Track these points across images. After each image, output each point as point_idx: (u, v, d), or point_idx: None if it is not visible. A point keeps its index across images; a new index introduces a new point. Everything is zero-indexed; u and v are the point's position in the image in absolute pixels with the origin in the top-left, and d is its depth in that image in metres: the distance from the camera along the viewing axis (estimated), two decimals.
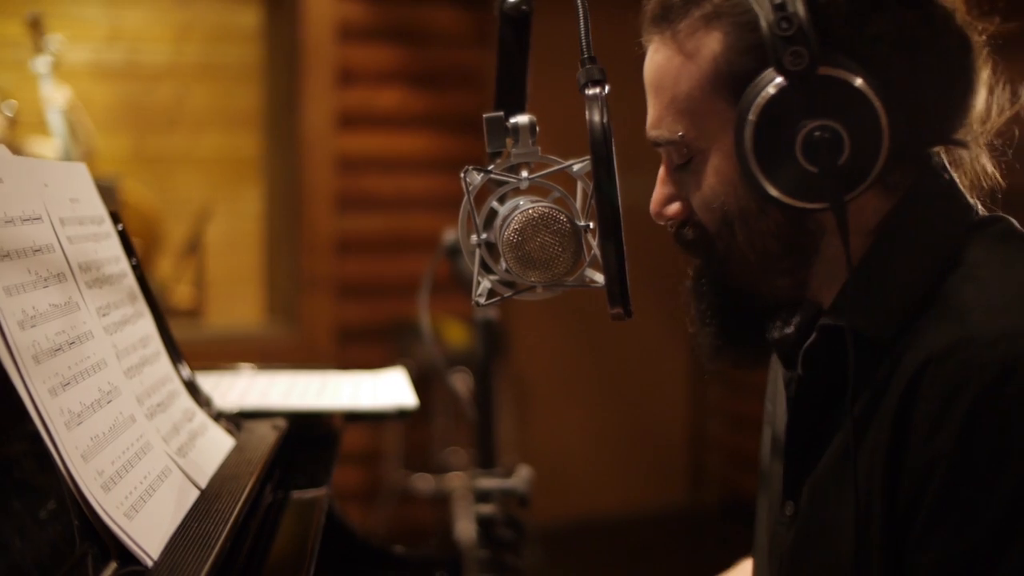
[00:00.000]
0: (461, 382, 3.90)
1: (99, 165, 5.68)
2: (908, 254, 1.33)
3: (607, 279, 1.15)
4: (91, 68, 7.33)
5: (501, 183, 1.33)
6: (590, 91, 1.20)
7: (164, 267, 6.84)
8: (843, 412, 1.33)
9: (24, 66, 4.89)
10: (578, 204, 1.33)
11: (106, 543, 1.15)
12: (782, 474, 1.48)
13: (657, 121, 1.40)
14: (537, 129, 1.35)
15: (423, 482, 5.57)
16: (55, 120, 4.76)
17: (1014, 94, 1.39)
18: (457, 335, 5.28)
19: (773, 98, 1.26)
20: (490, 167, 1.33)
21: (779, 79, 1.26)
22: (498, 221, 1.30)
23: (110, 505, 1.16)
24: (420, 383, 5.33)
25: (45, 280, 1.29)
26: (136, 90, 7.50)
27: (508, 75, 1.59)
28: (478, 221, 1.31)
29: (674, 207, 1.44)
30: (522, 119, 1.33)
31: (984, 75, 1.36)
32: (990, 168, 1.40)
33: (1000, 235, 1.35)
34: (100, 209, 1.60)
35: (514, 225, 1.21)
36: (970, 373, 1.19)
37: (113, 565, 1.15)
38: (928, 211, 1.35)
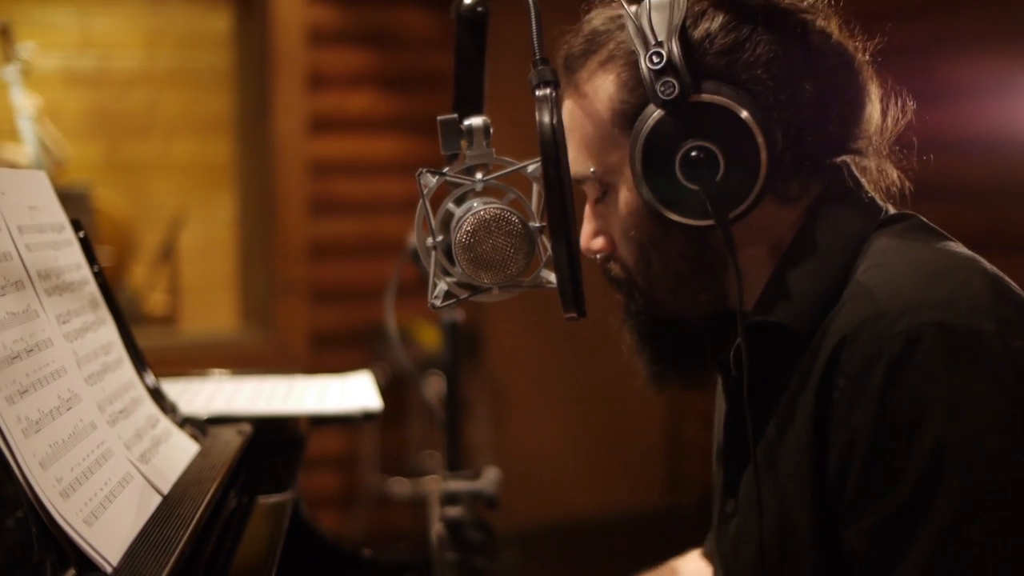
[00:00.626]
0: (435, 385, 3.90)
1: (72, 172, 5.66)
2: (821, 253, 1.41)
3: (559, 280, 1.16)
4: (63, 75, 7.31)
5: (456, 185, 1.33)
6: (540, 92, 1.21)
7: (138, 274, 6.83)
8: (770, 405, 1.41)
9: None
10: (533, 205, 1.34)
11: (65, 550, 1.16)
12: (722, 476, 1.55)
13: (573, 161, 1.43)
14: (491, 131, 1.36)
15: (399, 486, 5.57)
16: (26, 128, 4.76)
17: (905, 104, 1.47)
18: (430, 338, 5.28)
19: (653, 127, 1.37)
20: (445, 169, 1.34)
21: (657, 111, 1.37)
22: (453, 223, 1.30)
23: (69, 512, 1.17)
24: (395, 386, 5.34)
25: (2, 288, 1.29)
26: (108, 97, 7.49)
27: (465, 77, 1.60)
28: (433, 223, 1.31)
29: (599, 241, 1.53)
30: (476, 121, 1.35)
31: (872, 88, 1.45)
32: (894, 173, 1.48)
33: (905, 228, 1.42)
34: (60, 216, 1.60)
35: (466, 227, 1.22)
36: (880, 346, 1.25)
37: (72, 572, 1.15)
38: (838, 215, 1.43)
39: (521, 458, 5.92)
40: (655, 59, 1.35)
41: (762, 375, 1.39)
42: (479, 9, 1.56)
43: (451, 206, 1.36)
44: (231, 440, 1.71)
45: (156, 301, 6.72)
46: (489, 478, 2.17)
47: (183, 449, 1.60)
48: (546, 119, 1.17)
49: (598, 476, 6.60)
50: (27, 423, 1.19)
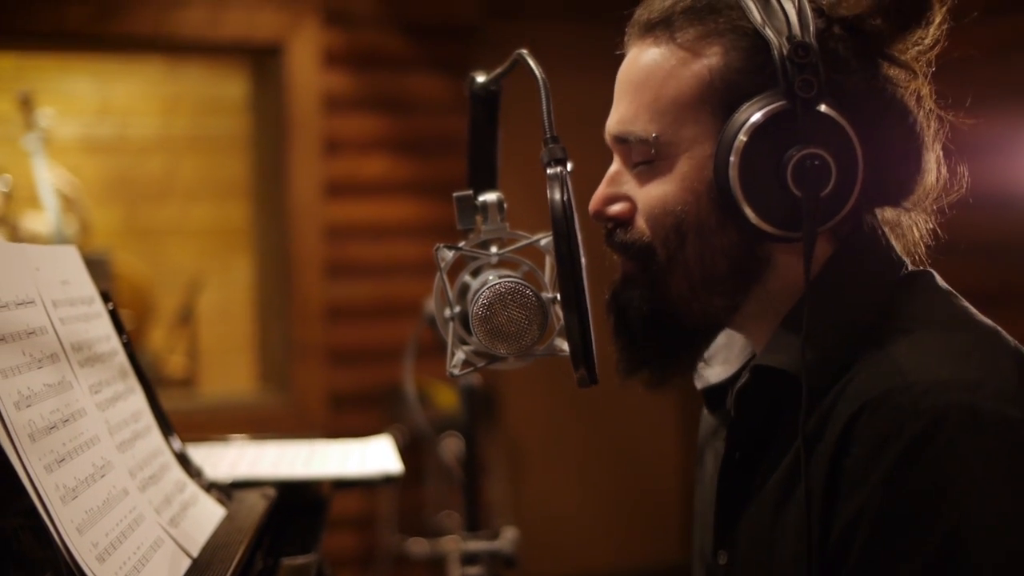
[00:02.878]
0: (452, 446, 3.95)
1: (91, 238, 5.75)
2: (841, 303, 1.37)
3: (571, 349, 1.20)
4: (81, 142, 7.42)
5: (472, 258, 1.39)
6: (551, 170, 1.25)
7: (157, 338, 6.89)
8: (775, 457, 1.38)
9: (16, 142, 4.98)
10: (547, 276, 1.39)
11: None
12: (712, 525, 1.50)
13: (631, 117, 1.43)
14: (505, 206, 1.42)
15: (417, 546, 5.58)
16: (47, 196, 4.83)
17: (957, 177, 1.44)
18: (447, 399, 5.32)
19: (772, 119, 1.32)
20: (461, 243, 1.39)
21: (779, 103, 1.32)
22: (469, 295, 1.36)
23: (106, 575, 1.22)
24: (413, 447, 5.37)
25: (39, 361, 1.35)
26: (126, 163, 7.59)
27: (479, 153, 1.65)
28: (451, 295, 1.37)
29: (618, 207, 1.46)
30: (491, 197, 1.40)
31: (935, 155, 1.42)
32: (919, 233, 1.45)
33: (926, 290, 1.41)
34: (90, 289, 1.66)
35: (482, 300, 1.27)
36: (903, 419, 1.22)
37: None
38: (861, 263, 1.40)
39: (538, 516, 5.94)
40: (801, 52, 1.31)
41: (764, 422, 1.39)
42: (492, 87, 1.62)
43: (467, 278, 1.42)
44: (256, 504, 1.76)
45: (175, 364, 6.78)
46: (507, 538, 2.22)
47: (210, 513, 1.65)
48: (557, 197, 1.21)
49: (614, 533, 6.62)
50: (64, 491, 1.25)
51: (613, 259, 1.49)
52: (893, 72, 1.39)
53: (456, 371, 1.35)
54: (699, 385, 1.59)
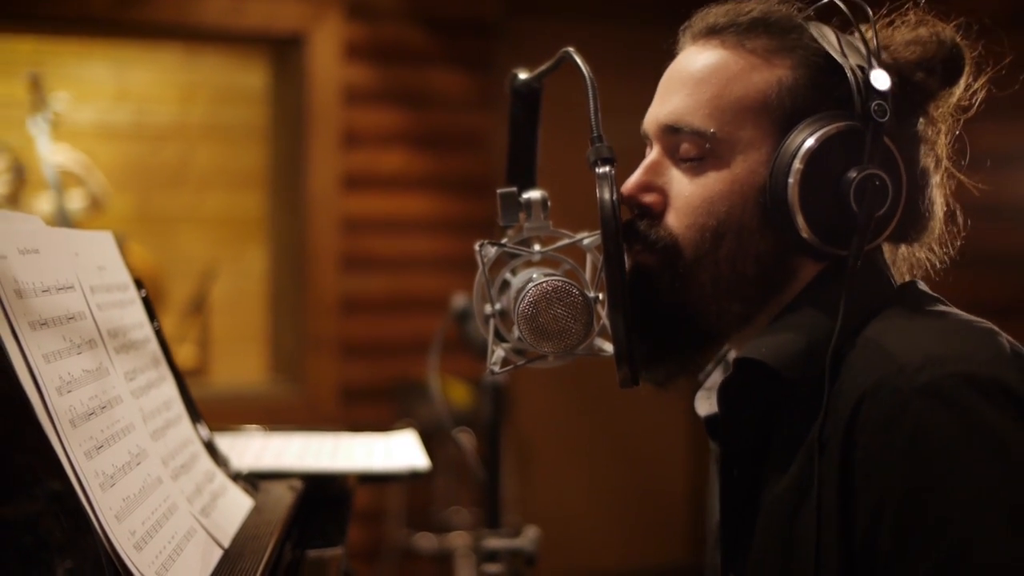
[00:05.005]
0: (466, 442, 3.95)
1: (105, 224, 5.75)
2: (822, 307, 1.38)
3: (616, 349, 1.21)
4: (98, 128, 7.41)
5: (514, 255, 1.39)
6: (600, 169, 1.25)
7: (167, 326, 6.87)
8: (775, 471, 1.38)
9: (26, 125, 4.97)
10: (587, 275, 1.39)
11: None
12: (720, 548, 1.50)
13: (690, 111, 1.44)
14: (549, 204, 1.41)
15: (426, 541, 5.59)
16: (51, 177, 4.84)
17: (961, 223, 1.50)
18: (460, 395, 5.33)
19: (842, 136, 1.36)
20: (503, 240, 1.39)
21: (849, 122, 1.36)
22: (512, 292, 1.35)
23: (143, 564, 1.22)
24: (422, 442, 5.38)
25: (78, 347, 1.35)
26: (142, 150, 7.58)
27: (519, 150, 1.65)
28: (492, 293, 1.37)
29: (652, 196, 1.46)
30: (535, 195, 1.40)
31: (942, 192, 1.48)
32: (921, 260, 1.51)
33: (913, 293, 1.44)
34: (125, 276, 1.66)
35: (528, 298, 1.26)
36: (904, 399, 1.24)
37: None
38: (857, 278, 1.39)
39: (547, 515, 5.93)
40: (881, 80, 1.36)
41: (759, 430, 1.39)
42: (534, 85, 1.62)
43: (508, 276, 1.41)
44: (284, 496, 1.76)
45: (186, 353, 6.78)
46: (528, 536, 2.22)
47: (239, 503, 1.65)
48: (606, 196, 1.22)
49: (623, 533, 6.62)
50: (103, 477, 1.25)
51: (630, 248, 1.46)
52: (922, 124, 1.45)
53: (496, 368, 1.35)
54: (701, 412, 1.58)
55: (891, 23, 1.47)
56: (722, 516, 1.48)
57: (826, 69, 1.40)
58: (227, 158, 7.64)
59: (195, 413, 1.73)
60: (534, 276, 1.31)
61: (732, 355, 1.53)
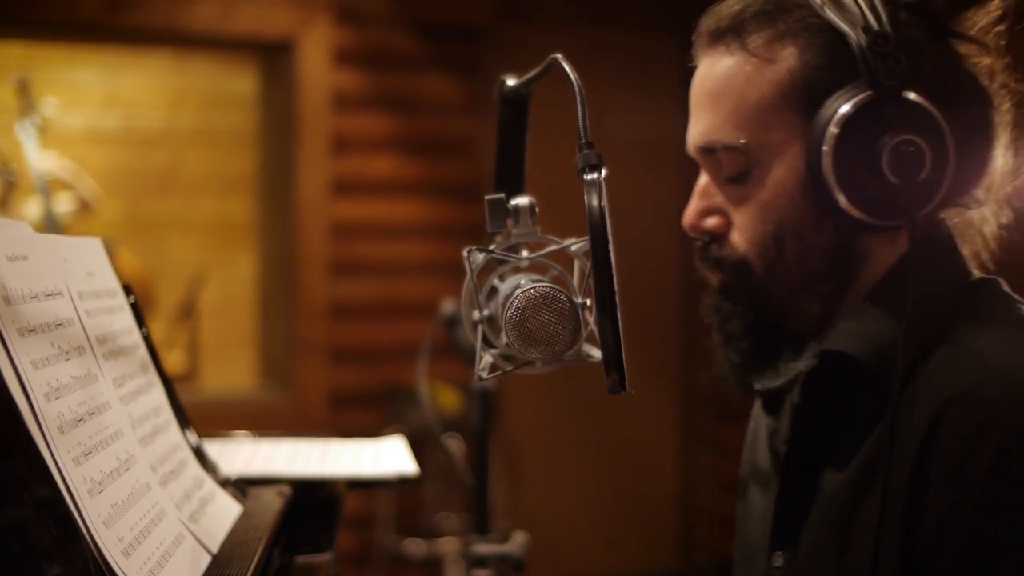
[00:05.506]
0: (454, 447, 3.95)
1: (94, 229, 5.75)
2: (914, 298, 1.36)
3: (604, 356, 1.21)
4: (87, 133, 7.40)
5: (502, 261, 1.39)
6: (588, 176, 1.25)
7: (156, 331, 6.85)
8: (843, 455, 1.38)
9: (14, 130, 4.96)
10: (575, 281, 1.39)
11: None
12: (770, 526, 1.49)
13: (716, 128, 1.45)
14: (537, 210, 1.42)
15: (415, 547, 5.59)
16: (39, 182, 4.84)
17: (1018, 165, 1.45)
18: (448, 400, 5.33)
19: (861, 109, 1.34)
20: (491, 247, 1.39)
21: (865, 93, 1.34)
22: (500, 298, 1.35)
23: (131, 570, 1.22)
24: (411, 447, 5.38)
25: (67, 353, 1.35)
26: (131, 155, 7.58)
27: (507, 156, 1.65)
28: (480, 299, 1.37)
29: (713, 220, 1.49)
30: (523, 201, 1.40)
31: (1002, 140, 1.43)
32: (989, 234, 1.47)
33: (995, 293, 1.42)
34: (113, 282, 1.66)
35: (516, 304, 1.26)
36: (996, 410, 1.24)
37: None
38: (934, 263, 1.41)
39: (536, 520, 5.93)
40: (881, 42, 1.33)
41: (830, 418, 1.39)
42: (523, 92, 1.62)
43: (496, 282, 1.41)
44: (272, 501, 1.76)
45: (175, 358, 6.77)
46: (517, 542, 2.22)
47: (227, 509, 1.65)
48: (595, 202, 1.22)
49: (611, 539, 6.62)
50: (91, 484, 1.25)
51: (705, 272, 1.52)
52: (964, 49, 1.40)
53: (484, 375, 1.35)
54: (758, 387, 1.56)
55: None
56: (779, 495, 1.48)
57: (833, 43, 1.37)
58: (216, 163, 7.64)
59: (184, 419, 1.73)
60: (522, 282, 1.31)
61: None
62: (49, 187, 4.98)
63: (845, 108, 1.34)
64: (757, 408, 1.67)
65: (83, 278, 1.52)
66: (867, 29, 1.33)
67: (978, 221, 1.47)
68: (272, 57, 6.08)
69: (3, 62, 6.66)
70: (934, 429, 1.27)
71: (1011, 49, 1.43)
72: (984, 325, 1.35)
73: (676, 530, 6.80)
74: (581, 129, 1.31)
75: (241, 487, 1.82)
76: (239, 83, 7.23)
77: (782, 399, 1.53)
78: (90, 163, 6.85)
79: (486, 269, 1.42)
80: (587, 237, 1.25)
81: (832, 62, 1.37)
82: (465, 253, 1.36)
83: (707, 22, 1.48)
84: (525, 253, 1.40)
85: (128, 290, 1.72)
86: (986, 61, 1.40)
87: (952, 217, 1.47)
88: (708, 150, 1.47)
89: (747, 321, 1.47)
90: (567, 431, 6.51)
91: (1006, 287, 1.45)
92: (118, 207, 7.33)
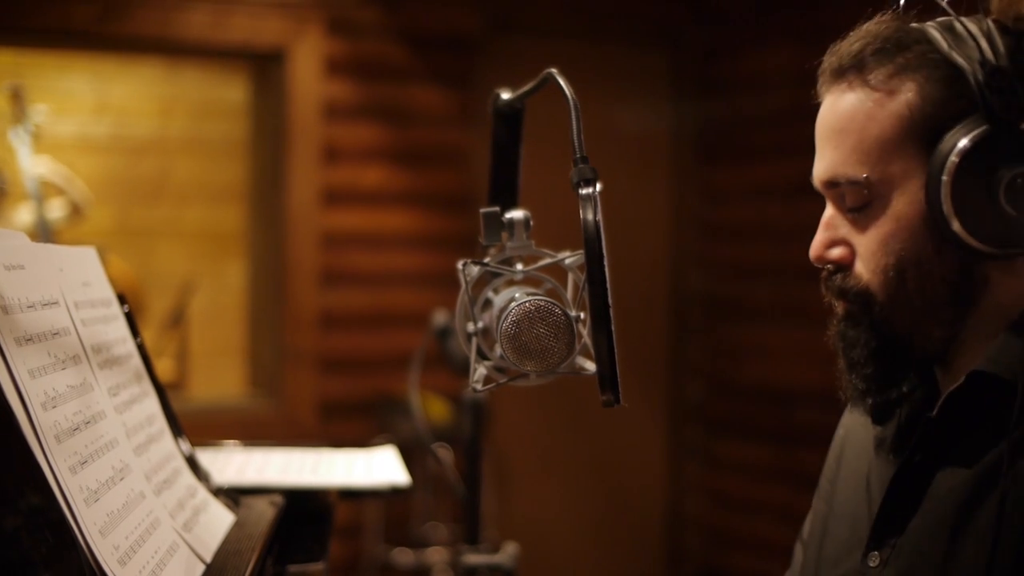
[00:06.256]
0: (443, 457, 3.96)
1: (84, 236, 5.75)
2: None
3: (599, 369, 1.22)
4: (77, 141, 7.40)
5: (496, 274, 1.40)
6: (583, 190, 1.26)
7: (146, 340, 6.84)
8: (960, 462, 1.41)
9: (7, 136, 4.97)
10: (569, 294, 1.40)
11: None
12: (867, 527, 1.52)
13: (839, 163, 1.48)
14: (531, 224, 1.43)
15: (403, 556, 5.59)
16: (32, 188, 4.85)
17: None
18: (438, 411, 5.34)
19: (980, 143, 1.37)
20: (486, 259, 1.40)
21: (982, 127, 1.37)
22: (494, 311, 1.37)
23: None
24: (400, 458, 5.39)
25: (63, 362, 1.35)
26: (121, 163, 7.58)
27: (501, 169, 1.66)
28: (475, 311, 1.38)
29: (838, 251, 1.52)
30: (517, 215, 1.41)
31: None
32: None
33: None
34: (108, 291, 1.67)
35: (511, 317, 1.27)
36: None
37: None
38: None
39: (523, 531, 5.94)
40: (997, 76, 1.36)
41: (963, 424, 1.43)
42: (516, 106, 1.63)
43: (491, 294, 1.43)
44: (265, 511, 1.77)
45: (164, 367, 6.77)
46: (508, 552, 2.22)
47: (220, 519, 1.66)
48: (590, 216, 1.23)
49: (600, 550, 6.62)
50: (87, 492, 1.25)
51: (830, 300, 1.55)
52: None
53: (479, 386, 1.36)
54: (871, 400, 1.58)
55: None
56: (887, 496, 1.51)
57: (952, 77, 1.41)
58: (207, 172, 7.65)
59: (177, 428, 1.74)
60: (516, 295, 1.32)
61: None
62: (42, 193, 4.99)
63: (963, 143, 1.38)
64: (847, 416, 1.71)
65: (79, 287, 1.53)
66: (983, 63, 1.37)
67: None
68: (263, 66, 6.08)
69: None
70: None
71: None
72: None
73: (664, 541, 6.81)
74: (576, 144, 1.32)
75: (234, 496, 1.83)
76: (230, 92, 7.24)
77: (892, 409, 1.56)
78: (80, 170, 6.85)
79: (480, 281, 1.44)
80: (581, 251, 1.27)
81: (951, 96, 1.40)
82: (460, 266, 1.37)
83: (830, 60, 1.51)
84: (520, 266, 1.41)
85: (122, 299, 1.73)
86: None
87: None
88: (832, 184, 1.50)
89: (871, 348, 1.50)
90: (556, 442, 6.51)
91: None
92: (108, 215, 7.33)
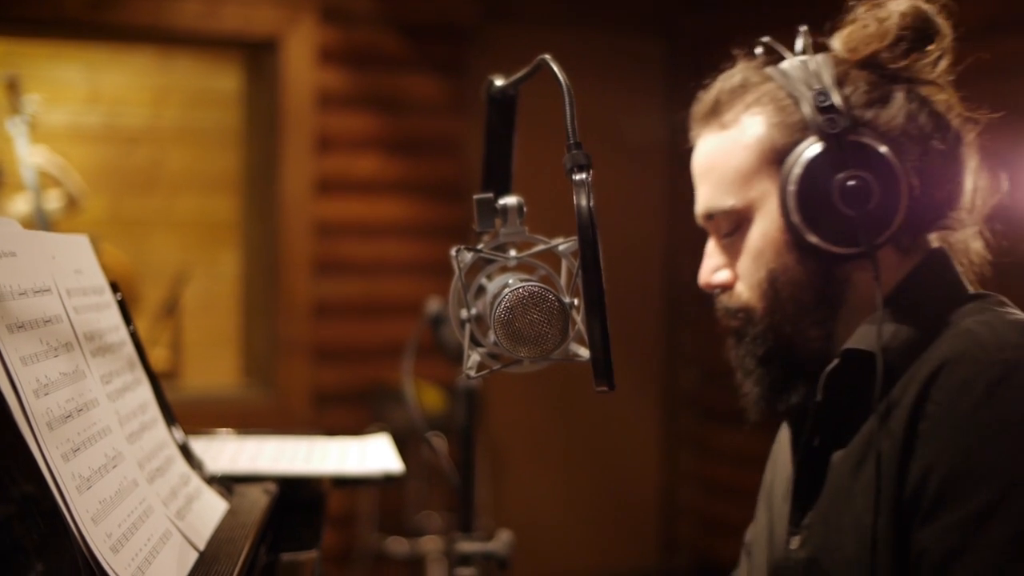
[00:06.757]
0: (437, 446, 3.95)
1: (77, 226, 5.74)
2: (919, 303, 1.57)
3: (593, 356, 1.21)
4: (70, 130, 7.39)
5: (490, 261, 1.40)
6: (577, 176, 1.26)
7: (140, 329, 6.83)
8: (848, 435, 1.54)
9: (3, 126, 4.96)
10: (562, 281, 1.40)
11: None
12: (787, 514, 1.65)
13: (710, 197, 1.67)
14: (525, 210, 1.42)
15: (398, 545, 5.59)
16: (29, 178, 4.84)
17: (996, 182, 1.66)
18: (431, 399, 5.34)
19: (815, 157, 1.56)
20: (479, 246, 1.40)
21: (815, 143, 1.57)
22: (488, 297, 1.36)
23: (119, 566, 1.22)
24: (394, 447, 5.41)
25: (55, 350, 1.35)
26: (114, 153, 7.57)
27: (495, 156, 1.66)
28: (468, 298, 1.38)
29: (722, 275, 1.70)
30: (511, 201, 1.40)
31: (973, 166, 1.63)
32: (977, 254, 1.66)
33: (994, 302, 1.58)
34: (100, 279, 1.66)
35: (505, 303, 1.27)
36: (980, 370, 1.39)
37: None
38: (937, 277, 1.61)
39: (517, 519, 5.94)
40: (822, 98, 1.57)
41: (848, 404, 1.53)
42: (510, 92, 1.62)
43: (484, 281, 1.42)
44: (258, 499, 1.76)
45: (157, 356, 6.76)
46: (502, 540, 2.22)
47: (213, 507, 1.65)
48: (583, 202, 1.22)
49: (592, 539, 6.63)
50: (80, 480, 1.25)
51: (722, 320, 1.73)
52: (925, 90, 1.61)
53: (472, 373, 1.36)
54: (781, 408, 1.72)
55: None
56: (796, 482, 1.65)
57: (791, 105, 1.61)
58: (200, 161, 7.64)
59: (170, 416, 1.73)
60: (510, 282, 1.31)
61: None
62: (39, 183, 4.99)
63: (802, 159, 1.57)
64: (782, 431, 1.83)
65: (71, 275, 1.52)
66: (814, 91, 1.58)
67: (965, 241, 1.65)
68: (256, 55, 6.08)
69: None
70: (927, 388, 1.42)
71: (964, 83, 1.64)
72: (980, 317, 1.50)
73: (658, 530, 6.82)
74: (569, 129, 1.32)
75: (227, 484, 1.82)
76: (223, 81, 7.23)
77: (803, 414, 1.66)
78: (73, 160, 6.84)
79: (474, 268, 1.43)
80: (575, 237, 1.27)
81: (792, 123, 1.60)
82: (453, 252, 1.37)
83: (695, 108, 1.72)
84: (513, 252, 1.40)
85: (115, 287, 1.72)
86: (942, 97, 1.61)
87: (947, 238, 1.65)
88: (708, 216, 1.69)
89: (758, 356, 1.66)
90: (550, 430, 6.52)
91: (1003, 299, 1.60)
92: (101, 204, 7.32)
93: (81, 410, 1.35)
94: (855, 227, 1.54)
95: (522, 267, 1.42)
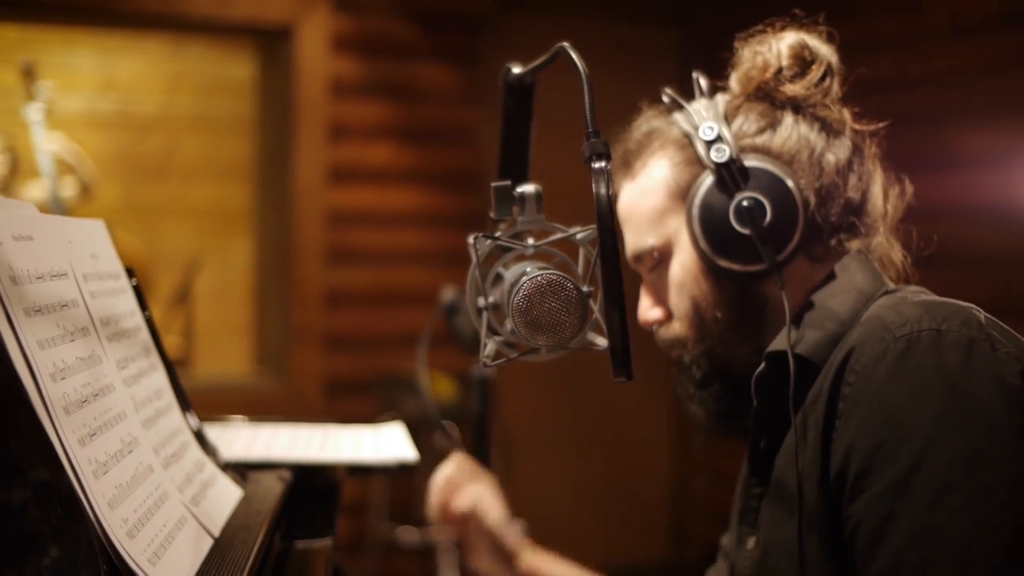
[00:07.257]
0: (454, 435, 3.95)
1: (90, 213, 5.74)
2: (835, 303, 1.62)
3: (611, 345, 1.21)
4: (83, 117, 7.40)
5: (507, 249, 1.39)
6: (596, 164, 1.26)
7: (153, 316, 6.84)
8: (784, 433, 1.58)
9: (18, 113, 4.97)
10: (580, 269, 1.39)
11: None
12: (738, 515, 1.75)
13: (634, 241, 1.76)
14: (542, 198, 1.42)
15: (408, 534, 5.60)
16: (45, 164, 4.85)
17: (903, 189, 1.74)
18: (443, 389, 5.33)
19: (709, 187, 1.66)
20: (496, 233, 1.39)
21: (707, 173, 1.67)
22: (505, 286, 1.36)
23: (136, 551, 1.22)
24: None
25: (72, 334, 1.35)
26: (128, 139, 7.58)
27: (512, 144, 1.66)
28: (486, 287, 1.37)
29: (656, 311, 1.78)
30: (529, 189, 1.40)
31: (877, 175, 1.72)
32: (898, 256, 1.72)
33: (911, 291, 1.62)
34: (116, 264, 1.66)
35: (523, 292, 1.26)
36: (885, 347, 1.43)
37: None
38: (852, 276, 1.65)
39: (530, 509, 5.94)
40: (708, 131, 1.67)
41: (783, 405, 1.55)
42: (528, 79, 1.62)
43: (501, 269, 1.42)
44: (273, 486, 1.76)
45: (170, 344, 6.77)
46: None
47: (228, 493, 1.65)
48: (602, 190, 1.22)
49: (603, 530, 6.63)
50: (96, 465, 1.25)
51: (664, 352, 1.81)
52: (821, 111, 1.70)
53: (489, 361, 1.35)
54: (734, 426, 1.79)
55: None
56: (747, 483, 1.74)
57: (687, 144, 1.71)
58: (213, 149, 7.64)
59: (185, 402, 1.73)
60: (528, 270, 1.31)
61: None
62: (55, 170, 5.00)
63: (700, 190, 1.67)
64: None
65: (87, 260, 1.52)
66: (706, 127, 1.68)
67: (884, 244, 1.72)
68: (270, 43, 6.07)
69: (0, 44, 6.66)
70: (841, 372, 1.46)
71: (856, 97, 1.74)
72: (886, 302, 1.57)
73: (669, 521, 6.82)
74: (588, 117, 1.32)
75: (241, 471, 1.82)
76: (237, 69, 7.23)
77: (739, 425, 1.74)
78: (86, 147, 6.84)
79: (491, 256, 1.43)
80: (593, 225, 1.26)
81: (690, 159, 1.70)
82: (471, 240, 1.36)
83: (613, 163, 1.73)
84: (531, 240, 1.40)
85: (130, 273, 1.72)
86: (834, 115, 1.70)
87: (865, 244, 1.70)
88: (636, 258, 1.77)
89: (696, 379, 1.74)
90: (561, 421, 6.51)
91: (921, 288, 1.65)
92: (114, 191, 7.33)
93: (97, 395, 1.34)
94: (757, 243, 1.62)
95: (540, 255, 1.41)
